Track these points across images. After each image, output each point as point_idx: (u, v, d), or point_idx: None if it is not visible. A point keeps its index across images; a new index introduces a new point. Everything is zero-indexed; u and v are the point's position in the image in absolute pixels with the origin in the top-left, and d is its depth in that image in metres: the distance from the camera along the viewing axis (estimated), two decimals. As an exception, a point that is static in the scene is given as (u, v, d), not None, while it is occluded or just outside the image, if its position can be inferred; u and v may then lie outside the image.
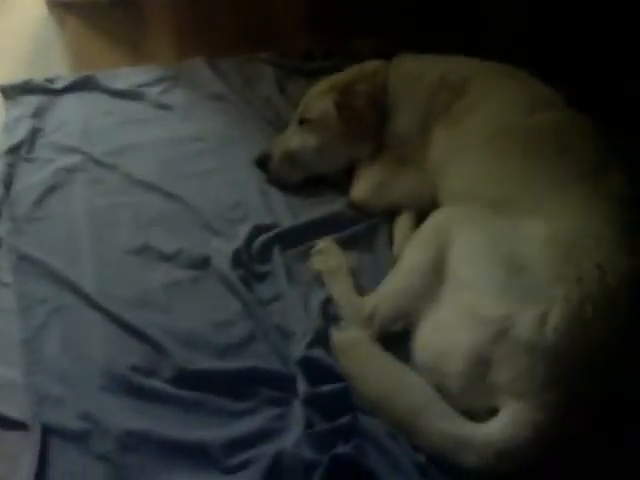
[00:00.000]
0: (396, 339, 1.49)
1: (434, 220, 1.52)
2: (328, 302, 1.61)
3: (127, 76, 2.34)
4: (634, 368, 1.33)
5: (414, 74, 1.85)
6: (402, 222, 1.79)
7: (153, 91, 2.27)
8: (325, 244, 1.72)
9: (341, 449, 1.32)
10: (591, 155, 1.55)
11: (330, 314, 1.59)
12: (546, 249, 1.36)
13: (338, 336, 1.50)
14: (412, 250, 1.52)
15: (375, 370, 1.43)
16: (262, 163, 1.94)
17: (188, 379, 1.44)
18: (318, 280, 1.66)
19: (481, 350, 1.31)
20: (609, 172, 1.51)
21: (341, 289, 1.62)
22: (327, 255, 1.69)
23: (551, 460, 1.27)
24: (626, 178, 1.51)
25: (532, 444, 1.26)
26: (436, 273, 1.43)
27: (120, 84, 2.29)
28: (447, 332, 1.37)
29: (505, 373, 1.29)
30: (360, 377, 1.42)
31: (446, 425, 1.31)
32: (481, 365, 1.31)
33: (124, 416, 1.38)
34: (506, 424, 1.27)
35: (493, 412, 1.31)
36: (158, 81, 2.32)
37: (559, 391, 1.27)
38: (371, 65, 1.93)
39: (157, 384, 1.44)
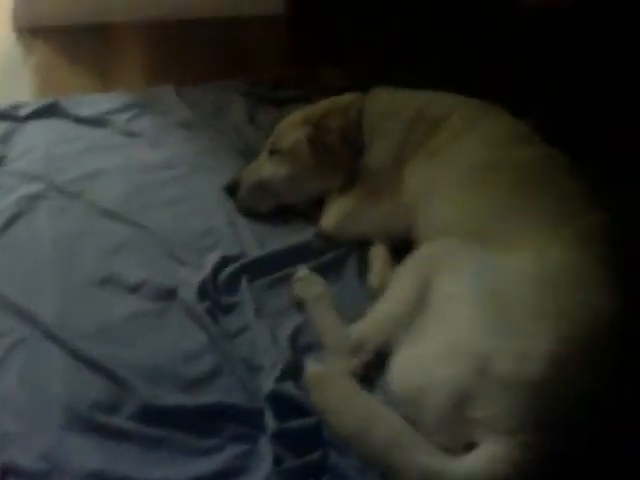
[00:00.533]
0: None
1: (422, 252, 1.52)
2: (297, 333, 1.58)
3: (94, 103, 2.30)
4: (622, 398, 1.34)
5: (390, 108, 1.84)
6: (378, 252, 1.78)
7: (120, 118, 2.24)
8: (306, 272, 1.69)
9: (311, 487, 1.29)
10: (573, 190, 1.56)
11: (299, 346, 1.56)
12: (529, 286, 1.36)
13: (312, 369, 1.47)
14: (399, 280, 1.50)
15: (349, 404, 1.39)
16: (231, 191, 1.92)
17: (152, 415, 1.40)
18: (298, 307, 1.64)
19: (461, 385, 1.29)
20: (587, 208, 1.52)
21: (325, 318, 1.59)
22: (309, 283, 1.67)
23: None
24: (603, 214, 1.52)
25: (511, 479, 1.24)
26: (421, 303, 1.42)
27: (86, 110, 2.25)
28: (427, 365, 1.36)
29: (485, 409, 1.27)
30: (334, 411, 1.39)
31: (422, 459, 1.28)
32: (460, 400, 1.29)
33: (85, 455, 1.33)
34: (484, 460, 1.25)
35: (469, 447, 1.28)
36: (126, 108, 2.29)
37: (538, 429, 1.25)
38: (345, 98, 1.91)
39: (119, 421, 1.39)
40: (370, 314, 1.52)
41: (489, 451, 1.25)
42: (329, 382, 1.45)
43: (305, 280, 1.67)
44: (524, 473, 1.24)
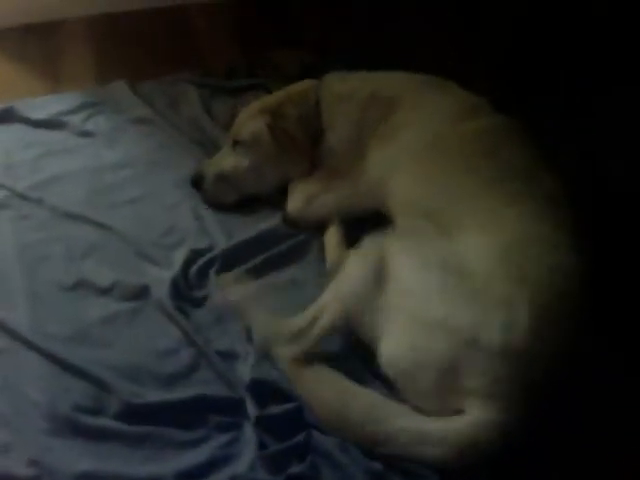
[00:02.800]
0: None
1: (373, 239, 1.53)
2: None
3: (47, 105, 2.28)
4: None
5: (344, 93, 1.87)
6: (331, 236, 1.81)
7: (75, 119, 2.23)
8: (226, 276, 1.71)
9: (295, 469, 1.34)
10: (522, 157, 1.61)
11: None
12: (499, 257, 1.40)
13: (287, 354, 1.49)
14: (353, 262, 1.52)
15: (326, 385, 1.44)
16: (196, 183, 1.94)
17: (135, 414, 1.43)
18: (234, 312, 1.64)
19: (451, 358, 1.33)
20: (540, 173, 1.57)
21: (261, 315, 1.59)
22: (234, 286, 1.68)
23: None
24: (556, 177, 1.57)
25: (494, 442, 1.30)
26: (378, 283, 1.44)
27: (40, 113, 2.23)
28: (416, 344, 1.38)
29: (473, 379, 1.32)
30: (313, 394, 1.43)
31: (405, 423, 1.34)
32: (451, 372, 1.33)
33: (73, 458, 1.36)
34: (470, 423, 1.31)
35: (458, 412, 1.34)
36: (79, 108, 2.28)
37: (522, 393, 1.31)
38: (301, 85, 1.94)
39: (103, 422, 1.42)
40: (324, 295, 1.52)
41: (477, 414, 1.31)
42: (304, 366, 1.47)
43: (230, 282, 1.69)
44: (506, 434, 1.30)
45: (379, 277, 1.45)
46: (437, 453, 1.31)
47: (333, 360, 1.50)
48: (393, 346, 1.42)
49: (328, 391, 1.43)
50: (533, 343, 1.31)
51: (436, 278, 1.40)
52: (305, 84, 1.94)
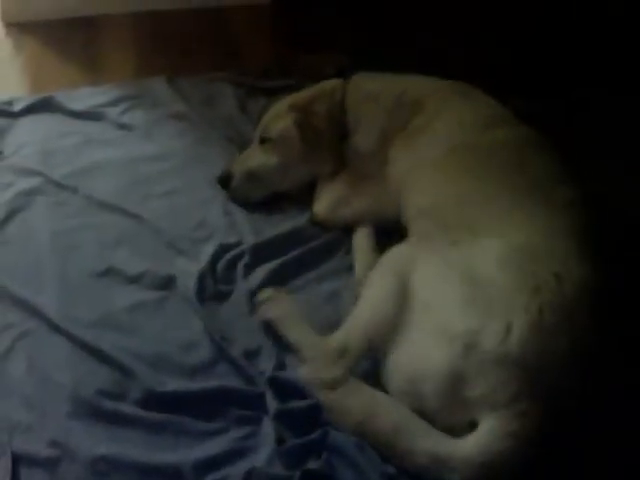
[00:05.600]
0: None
1: (393, 252, 1.54)
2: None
3: (86, 96, 2.33)
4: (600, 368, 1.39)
5: (371, 93, 1.88)
6: (361, 241, 1.81)
7: (113, 111, 2.27)
8: (269, 291, 1.67)
9: (311, 465, 1.34)
10: (541, 168, 1.61)
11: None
12: (502, 263, 1.40)
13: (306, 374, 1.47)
14: (375, 281, 1.51)
15: (350, 399, 1.42)
16: (224, 182, 1.96)
17: (156, 401, 1.44)
18: (269, 329, 1.61)
19: (452, 366, 1.33)
20: (559, 183, 1.57)
21: (298, 333, 1.57)
22: (275, 301, 1.64)
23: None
24: (576, 190, 1.57)
25: (510, 453, 1.28)
26: (401, 300, 1.44)
27: (80, 104, 2.27)
28: (418, 354, 1.39)
29: (479, 387, 1.31)
30: (338, 407, 1.42)
31: (425, 444, 1.32)
32: (455, 381, 1.33)
33: (93, 441, 1.38)
34: (483, 437, 1.29)
35: (473, 426, 1.32)
36: (118, 101, 2.31)
37: (529, 399, 1.30)
38: (329, 84, 1.96)
39: (125, 407, 1.43)
40: (350, 320, 1.51)
41: (489, 427, 1.29)
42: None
43: (269, 299, 1.65)
44: (525, 442, 1.28)
45: (402, 297, 1.44)
46: (455, 477, 1.29)
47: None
48: (398, 355, 1.42)
49: (355, 401, 1.40)
50: (530, 347, 1.30)
51: (448, 289, 1.40)
52: (333, 82, 1.96)
